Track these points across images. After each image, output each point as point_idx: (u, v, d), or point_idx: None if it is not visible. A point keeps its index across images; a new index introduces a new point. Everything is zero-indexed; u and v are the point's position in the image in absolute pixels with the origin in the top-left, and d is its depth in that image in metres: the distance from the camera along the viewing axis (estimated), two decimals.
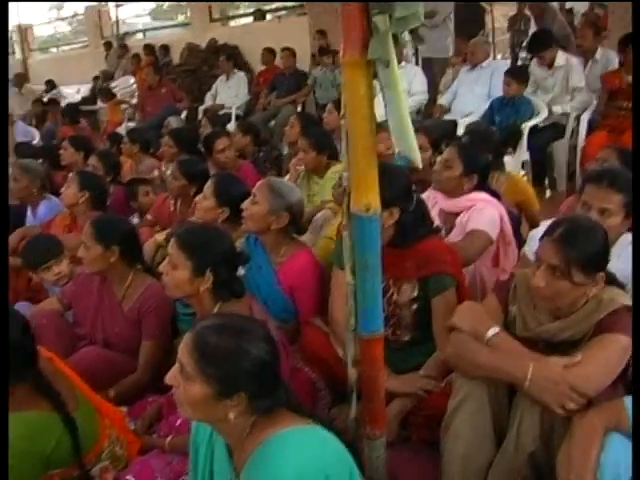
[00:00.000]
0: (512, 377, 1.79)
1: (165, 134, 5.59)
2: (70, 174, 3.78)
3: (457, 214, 3.01)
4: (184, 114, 7.47)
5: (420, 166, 1.64)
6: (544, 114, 4.97)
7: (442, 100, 5.90)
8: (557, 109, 5.10)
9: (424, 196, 3.19)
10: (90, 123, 7.70)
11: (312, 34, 8.19)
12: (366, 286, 1.75)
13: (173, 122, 5.87)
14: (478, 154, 3.01)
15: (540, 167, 5.03)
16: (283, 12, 9.59)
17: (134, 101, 8.13)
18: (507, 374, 1.81)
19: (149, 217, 3.88)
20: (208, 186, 3.04)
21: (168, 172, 4.80)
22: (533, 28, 11.86)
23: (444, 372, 2.35)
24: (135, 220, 4.21)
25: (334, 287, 2.51)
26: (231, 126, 7.40)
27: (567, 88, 5.19)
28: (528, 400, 1.81)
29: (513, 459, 1.81)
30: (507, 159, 4.58)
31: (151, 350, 2.58)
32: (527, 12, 11.85)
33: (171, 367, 2.59)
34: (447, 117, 5.72)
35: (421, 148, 3.48)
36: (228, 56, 7.90)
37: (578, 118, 5.13)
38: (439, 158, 3.12)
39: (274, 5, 9.75)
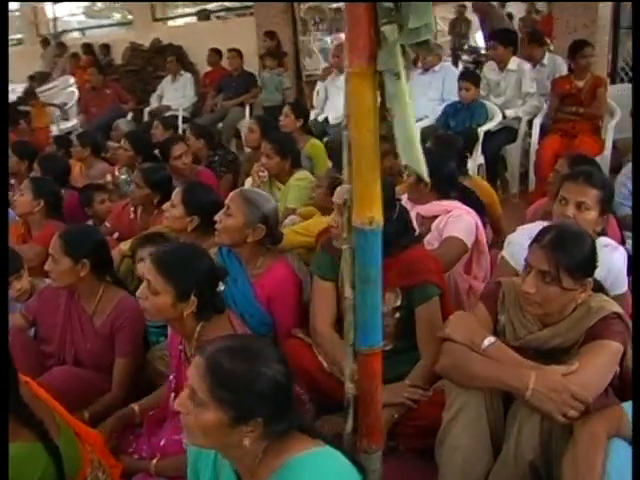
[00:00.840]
0: (513, 387, 1.80)
1: (116, 137, 5.48)
2: (24, 181, 3.60)
3: (434, 217, 3.03)
4: (130, 116, 7.24)
5: (427, 179, 1.61)
6: (498, 118, 5.07)
7: None
8: (510, 113, 5.20)
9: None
10: (27, 123, 7.38)
11: (259, 35, 8.11)
12: (367, 300, 1.72)
13: (122, 125, 5.68)
14: (444, 161, 3.04)
15: (493, 170, 5.12)
16: (228, 12, 9.45)
17: (71, 103, 7.81)
18: (507, 384, 1.81)
19: (108, 225, 3.73)
20: (176, 194, 2.94)
21: (122, 177, 4.68)
22: (474, 31, 12.22)
23: (430, 380, 2.35)
24: None
25: (316, 298, 2.47)
26: (179, 128, 7.27)
27: (519, 92, 5.31)
28: (526, 409, 1.82)
29: (513, 468, 1.82)
30: None
31: (125, 367, 2.48)
32: (467, 16, 12.20)
33: (144, 383, 2.55)
34: None
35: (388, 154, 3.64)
36: (177, 57, 7.70)
37: (529, 122, 5.26)
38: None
39: (219, 5, 9.60)
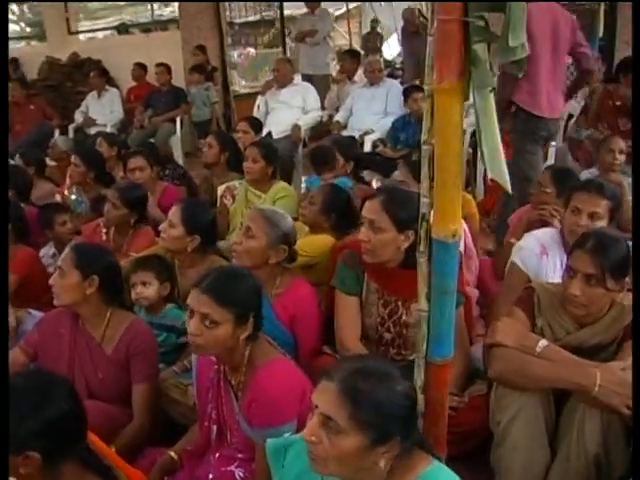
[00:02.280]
0: (580, 385, 1.88)
1: (54, 155, 5.20)
2: None
3: None
4: (57, 133, 6.88)
5: (510, 191, 1.67)
6: None
7: (338, 117, 6.03)
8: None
9: None
10: None
11: (185, 49, 7.97)
12: (445, 311, 1.74)
13: (60, 142, 5.39)
14: None
15: None
16: (149, 25, 9.21)
17: None
18: (574, 383, 1.89)
19: None
20: (175, 213, 2.84)
21: (73, 197, 4.46)
22: (388, 46, 12.61)
23: (462, 386, 2.41)
24: (51, 250, 3.83)
25: (342, 314, 2.47)
26: None
27: None
28: (585, 405, 1.91)
29: (578, 463, 1.90)
30: None
31: (147, 393, 2.34)
32: (379, 30, 12.59)
33: (161, 409, 2.42)
34: (344, 133, 5.87)
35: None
36: (100, 72, 7.41)
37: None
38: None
39: (141, 17, 9.34)
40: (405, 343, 2.50)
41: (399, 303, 2.45)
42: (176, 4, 8.30)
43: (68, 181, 4.92)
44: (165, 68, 7.31)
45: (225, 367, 2.02)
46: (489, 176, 1.65)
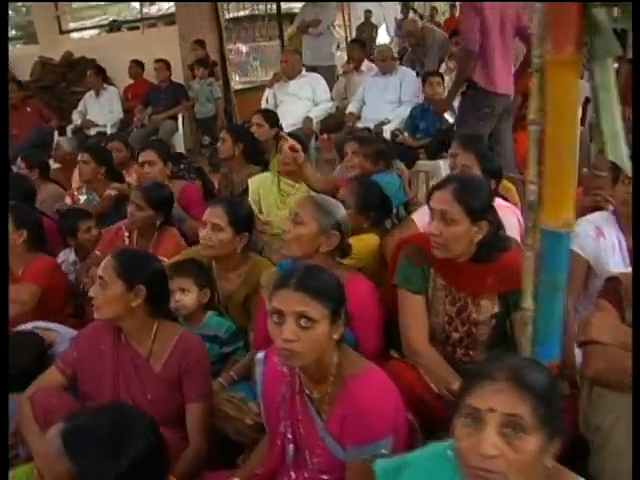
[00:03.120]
0: None
1: (57, 157, 4.98)
2: None
3: None
4: (56, 134, 6.63)
5: (630, 174, 1.50)
6: None
7: (351, 108, 5.83)
8: None
9: None
10: None
11: (183, 45, 7.74)
12: (555, 308, 1.57)
13: (64, 143, 5.15)
14: (493, 157, 2.97)
15: None
16: (144, 22, 8.94)
17: None
18: None
19: (98, 253, 3.31)
20: (217, 214, 2.61)
21: (83, 197, 4.24)
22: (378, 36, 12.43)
23: None
24: (71, 257, 3.61)
25: (408, 314, 2.28)
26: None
27: None
28: None
29: None
30: (442, 163, 4.63)
31: (204, 413, 2.13)
32: (372, 20, 12.39)
33: (213, 426, 2.23)
34: (358, 124, 5.69)
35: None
36: (97, 70, 7.16)
37: None
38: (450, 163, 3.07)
39: (133, 15, 9.09)
40: (473, 343, 2.31)
41: (468, 300, 2.27)
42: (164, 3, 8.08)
43: (76, 181, 4.74)
44: (164, 64, 7.08)
45: (303, 379, 1.83)
46: (608, 158, 1.47)
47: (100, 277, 2.10)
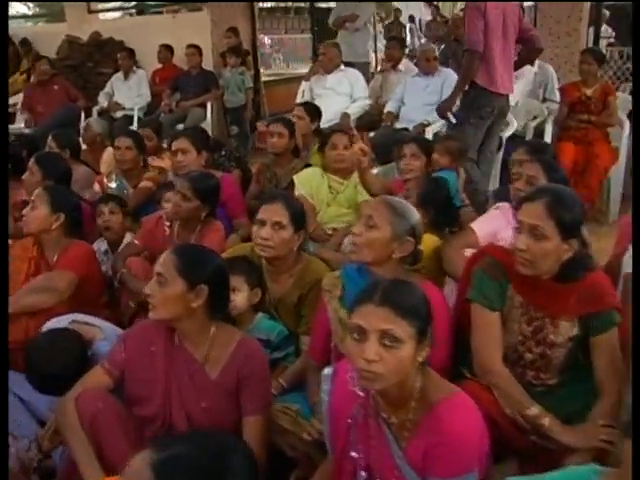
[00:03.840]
0: None
1: (87, 138, 4.81)
2: (37, 191, 2.94)
3: None
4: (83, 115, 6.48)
5: None
6: (514, 124, 4.91)
7: (389, 107, 5.65)
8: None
9: (493, 214, 2.95)
10: None
11: (214, 31, 7.58)
12: None
13: (95, 124, 4.95)
14: (558, 167, 2.80)
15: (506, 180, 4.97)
16: (173, 6, 8.77)
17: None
18: None
19: (136, 242, 3.15)
20: (278, 212, 2.44)
21: (113, 185, 4.09)
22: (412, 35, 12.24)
23: (617, 417, 2.07)
24: (103, 246, 3.44)
25: (483, 331, 2.11)
26: (134, 129, 6.61)
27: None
28: None
29: None
30: None
31: (262, 427, 1.96)
32: (401, 20, 12.23)
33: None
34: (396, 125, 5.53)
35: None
36: (129, 52, 6.99)
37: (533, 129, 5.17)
38: (515, 171, 2.91)
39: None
40: (547, 365, 2.15)
41: (546, 320, 2.10)
42: None
43: (105, 165, 4.57)
44: (196, 50, 6.94)
45: (380, 402, 1.66)
46: None
47: (159, 274, 1.93)
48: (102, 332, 2.36)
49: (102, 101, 6.98)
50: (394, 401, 1.62)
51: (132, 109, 6.79)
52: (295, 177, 3.73)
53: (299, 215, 2.48)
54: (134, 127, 6.62)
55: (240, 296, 2.41)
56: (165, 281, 1.90)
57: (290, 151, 4.02)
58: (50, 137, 4.34)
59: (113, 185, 4.14)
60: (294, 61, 9.26)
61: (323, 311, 2.28)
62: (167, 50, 7.36)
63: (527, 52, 4.45)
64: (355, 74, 5.80)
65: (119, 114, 6.88)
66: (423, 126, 5.24)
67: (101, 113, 6.87)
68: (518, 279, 2.09)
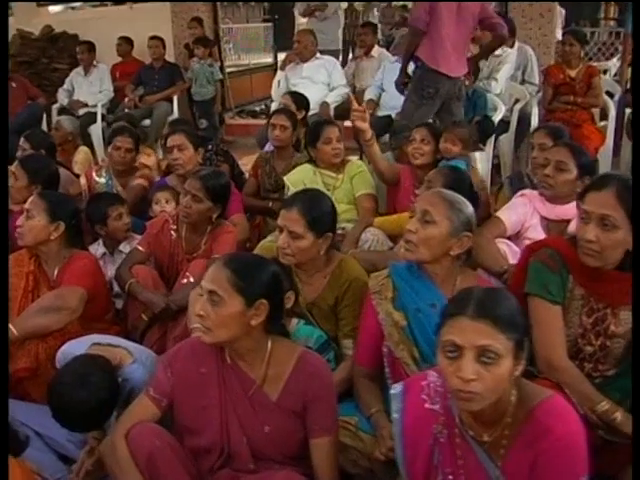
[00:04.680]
0: None
1: (59, 137, 4.53)
2: (31, 199, 2.69)
3: (563, 222, 2.72)
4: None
5: None
6: (502, 108, 4.85)
7: (369, 95, 5.53)
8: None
9: (519, 202, 2.87)
10: None
11: (175, 22, 7.29)
12: None
13: (66, 123, 4.66)
14: (587, 154, 2.73)
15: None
16: None
17: None
18: None
19: (141, 249, 2.93)
20: (294, 221, 2.24)
21: (101, 180, 3.86)
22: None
23: None
24: (100, 250, 3.22)
25: (546, 326, 2.01)
26: (97, 127, 6.30)
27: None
28: None
29: None
30: (478, 156, 4.39)
31: (332, 448, 1.79)
32: (356, 6, 12.05)
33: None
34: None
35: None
36: (89, 46, 6.63)
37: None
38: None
39: None
40: (606, 357, 2.07)
41: (607, 311, 2.02)
42: None
43: (78, 165, 4.34)
44: (160, 42, 6.65)
45: (466, 420, 1.54)
46: None
47: (211, 292, 1.71)
48: (130, 354, 2.15)
49: (62, 99, 6.60)
50: (487, 419, 1.51)
51: (95, 106, 6.44)
52: (286, 178, 3.55)
53: (321, 219, 2.29)
54: (98, 125, 6.34)
55: None
56: (220, 300, 1.70)
57: (291, 145, 3.84)
58: (22, 138, 4.06)
59: (102, 181, 3.92)
60: (252, 52, 9.02)
61: (370, 314, 2.15)
62: (127, 43, 7.03)
63: (491, 40, 4.41)
64: (332, 62, 5.66)
65: (81, 112, 6.52)
66: None
67: (61, 111, 6.51)
68: (579, 270, 2.00)
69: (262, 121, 7.42)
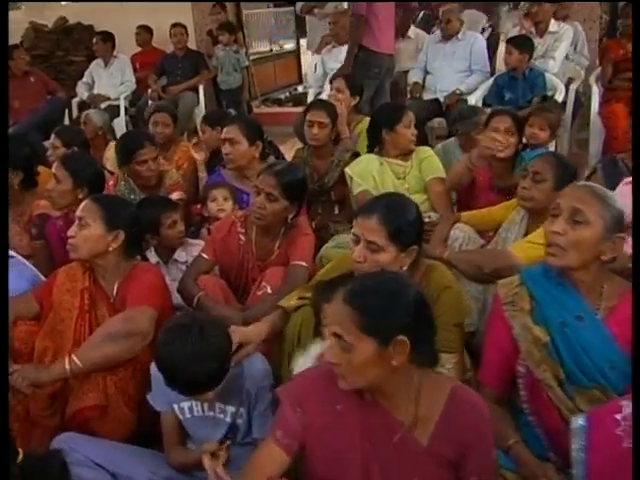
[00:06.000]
0: None
1: (89, 132, 4.21)
2: (84, 203, 2.33)
3: None
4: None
5: None
6: (561, 88, 4.52)
7: (414, 77, 5.19)
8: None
9: (626, 191, 2.55)
10: None
11: (195, 8, 6.93)
12: None
13: (95, 117, 4.33)
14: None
15: None
16: None
17: None
18: None
19: (206, 256, 2.60)
20: (371, 229, 1.93)
21: (123, 183, 3.52)
22: None
23: None
24: (153, 259, 2.90)
25: None
26: (120, 120, 5.99)
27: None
28: None
29: None
30: None
31: None
32: None
33: None
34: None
35: None
36: (105, 36, 6.29)
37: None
38: None
39: None
40: None
41: None
42: None
43: (110, 162, 4.01)
44: (182, 29, 6.32)
45: None
46: None
47: (336, 335, 1.40)
48: None
49: (81, 92, 6.27)
50: None
51: (117, 99, 6.13)
52: (349, 172, 3.23)
53: (405, 230, 1.96)
54: (121, 118, 6.03)
55: None
56: (349, 346, 1.39)
57: (331, 141, 3.52)
58: (53, 135, 3.76)
59: (123, 183, 3.58)
60: (274, 38, 8.66)
61: (500, 328, 1.84)
62: (146, 32, 6.73)
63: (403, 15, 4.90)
64: None
65: (103, 106, 6.19)
66: (456, 95, 4.83)
67: (81, 105, 6.19)
68: None
69: (290, 109, 7.12)
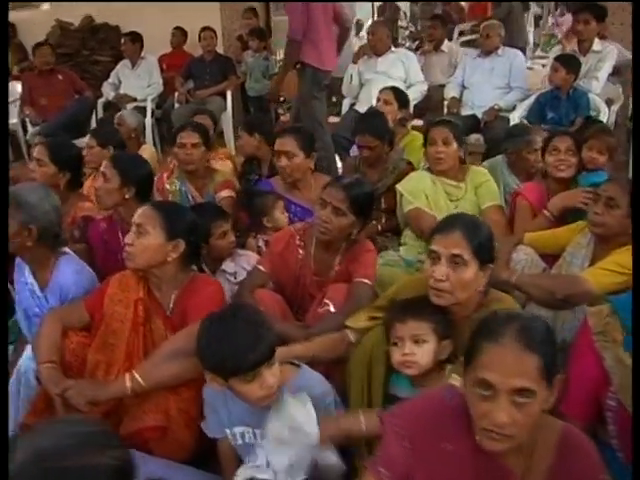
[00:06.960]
0: None
1: (124, 133, 4.10)
2: (141, 210, 2.24)
3: None
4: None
5: None
6: (604, 109, 4.42)
7: (451, 92, 5.10)
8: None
9: None
10: None
11: (224, 12, 6.85)
12: None
13: (129, 118, 4.24)
14: None
15: None
16: None
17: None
18: None
19: (262, 269, 2.50)
20: (455, 243, 1.87)
21: (174, 186, 3.44)
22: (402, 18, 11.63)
23: None
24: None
25: None
26: (147, 123, 5.89)
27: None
28: None
29: None
30: None
31: None
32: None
33: None
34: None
35: None
36: (133, 37, 6.20)
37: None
38: None
39: None
40: None
41: None
42: None
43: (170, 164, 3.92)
44: (212, 33, 6.24)
45: None
46: None
47: (524, 388, 1.27)
48: None
49: (107, 92, 6.18)
50: None
51: (143, 100, 6.03)
52: (400, 188, 3.09)
53: (486, 246, 1.91)
54: (148, 120, 5.93)
55: (425, 349, 1.89)
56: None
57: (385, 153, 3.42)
58: (89, 135, 3.68)
59: (175, 188, 3.53)
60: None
61: (589, 358, 1.75)
62: (182, 33, 6.68)
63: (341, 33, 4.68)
64: (408, 55, 5.23)
65: (128, 107, 6.11)
66: (495, 111, 4.74)
67: (107, 106, 6.09)
68: None
69: None
